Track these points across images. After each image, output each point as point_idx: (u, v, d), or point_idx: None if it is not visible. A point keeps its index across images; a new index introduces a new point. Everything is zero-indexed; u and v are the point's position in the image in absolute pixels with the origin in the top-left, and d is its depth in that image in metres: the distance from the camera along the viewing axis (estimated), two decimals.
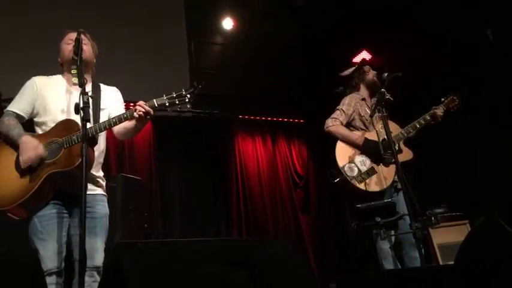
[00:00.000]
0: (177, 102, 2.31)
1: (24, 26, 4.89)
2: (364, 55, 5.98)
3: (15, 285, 2.05)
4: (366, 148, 3.26)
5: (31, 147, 2.21)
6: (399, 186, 3.26)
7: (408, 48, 5.13)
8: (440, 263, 3.90)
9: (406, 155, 3.27)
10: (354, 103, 3.49)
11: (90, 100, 2.11)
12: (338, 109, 3.48)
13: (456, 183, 4.74)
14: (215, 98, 6.03)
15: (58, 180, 2.24)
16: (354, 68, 3.60)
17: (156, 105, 2.30)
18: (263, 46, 6.02)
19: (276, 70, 6.27)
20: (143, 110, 2.26)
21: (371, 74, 3.58)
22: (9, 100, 4.75)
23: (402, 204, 2.95)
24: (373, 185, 3.17)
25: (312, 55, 6.26)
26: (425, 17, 4.94)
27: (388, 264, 3.08)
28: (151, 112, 2.29)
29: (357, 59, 6.04)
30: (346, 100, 3.52)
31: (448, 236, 4.01)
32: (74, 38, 2.28)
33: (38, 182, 2.19)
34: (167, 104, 2.30)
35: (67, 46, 2.43)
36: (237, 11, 6.06)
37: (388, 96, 3.10)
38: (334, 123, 3.40)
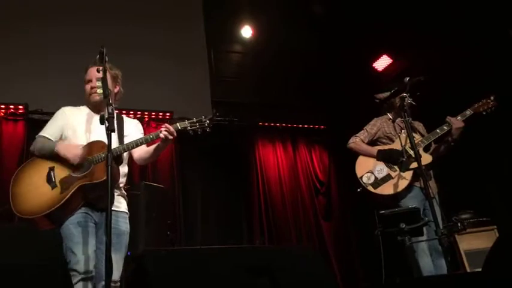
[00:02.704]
0: (197, 126, 2.54)
1: (48, 39, 5.03)
2: (385, 60, 5.94)
3: None
4: (380, 157, 3.49)
5: (71, 147, 2.42)
6: (430, 193, 3.25)
7: (429, 51, 5.07)
8: (468, 270, 3.81)
9: (424, 159, 3.27)
10: (379, 123, 3.67)
11: (115, 112, 2.19)
12: (363, 128, 3.71)
13: (483, 188, 4.63)
14: (235, 105, 6.08)
15: (87, 193, 2.38)
16: (389, 93, 3.63)
17: (180, 128, 2.52)
18: (282, 53, 6.05)
19: (295, 76, 6.28)
20: (169, 130, 2.46)
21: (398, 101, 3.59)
22: (36, 112, 4.93)
23: (434, 211, 2.93)
24: (386, 189, 3.37)
25: (331, 61, 6.26)
26: (445, 20, 4.88)
27: (425, 264, 3.06)
28: (175, 134, 2.48)
29: (377, 63, 6.01)
30: (372, 121, 3.73)
31: (475, 242, 3.92)
32: (92, 76, 2.54)
33: (70, 192, 2.33)
34: (189, 128, 2.53)
35: (87, 86, 2.61)
36: (256, 20, 6.10)
37: (410, 100, 3.12)
38: (354, 141, 3.66)
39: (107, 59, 2.38)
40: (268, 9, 5.89)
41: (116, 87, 2.67)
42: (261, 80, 6.16)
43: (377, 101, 3.74)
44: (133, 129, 2.70)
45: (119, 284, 2.39)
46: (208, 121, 2.54)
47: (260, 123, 6.41)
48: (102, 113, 2.21)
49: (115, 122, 2.51)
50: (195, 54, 5.91)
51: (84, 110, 2.68)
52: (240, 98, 6.13)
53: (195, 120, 2.54)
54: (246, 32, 6.13)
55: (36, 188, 2.38)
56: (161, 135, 2.46)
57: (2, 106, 4.86)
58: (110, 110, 2.17)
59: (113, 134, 2.20)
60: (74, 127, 2.57)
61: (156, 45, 5.50)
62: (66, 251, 2.33)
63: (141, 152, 2.64)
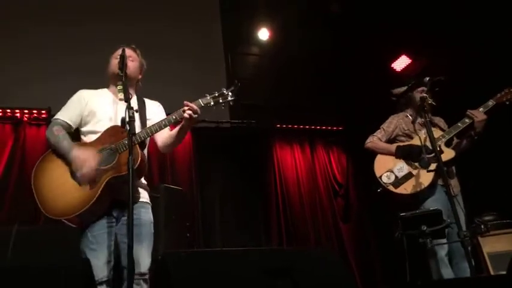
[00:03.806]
0: (220, 100, 2.42)
1: (72, 41, 5.11)
2: (404, 59, 5.88)
3: None
4: (400, 153, 3.36)
5: (84, 161, 2.26)
6: (454, 191, 3.19)
7: (449, 50, 4.99)
8: (492, 273, 3.74)
9: (447, 154, 3.17)
10: (396, 120, 3.58)
11: (136, 114, 2.19)
12: (379, 127, 3.62)
13: (506, 189, 4.53)
14: (253, 107, 6.09)
15: (116, 186, 2.28)
16: (406, 88, 3.56)
17: (202, 104, 2.39)
18: (300, 55, 6.04)
19: (312, 78, 6.26)
20: (192, 109, 2.34)
21: (418, 96, 3.52)
22: None
23: (455, 211, 2.87)
24: (408, 188, 3.24)
25: (349, 62, 6.21)
26: (464, 18, 4.81)
27: (444, 272, 2.99)
28: (199, 111, 2.36)
29: (396, 64, 5.95)
30: (389, 119, 3.64)
31: (498, 244, 3.83)
32: (125, 56, 2.36)
33: (99, 188, 2.24)
34: (212, 103, 2.41)
35: (114, 61, 2.53)
36: (273, 21, 6.11)
37: (430, 101, 3.07)
38: (371, 140, 3.56)
39: (127, 64, 2.39)
40: (285, 11, 5.89)
41: (140, 73, 2.67)
42: (278, 81, 6.16)
43: (394, 98, 3.67)
44: (154, 113, 2.59)
45: (147, 276, 2.33)
46: (230, 93, 2.42)
47: (277, 125, 6.42)
48: (122, 116, 2.21)
49: (136, 104, 2.49)
50: (212, 56, 5.95)
51: (106, 95, 2.58)
52: (257, 100, 6.14)
53: (216, 94, 2.42)
54: (263, 34, 6.14)
55: (62, 185, 2.28)
56: (185, 114, 2.34)
57: (26, 111, 4.97)
58: (131, 114, 2.14)
59: (136, 118, 2.17)
60: (95, 114, 2.47)
61: (173, 46, 5.55)
62: (82, 255, 2.30)
63: (164, 138, 2.54)
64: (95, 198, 2.22)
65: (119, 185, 2.26)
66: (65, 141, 2.36)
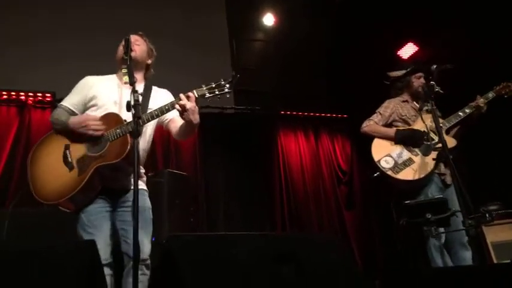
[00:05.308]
0: (216, 92, 2.31)
1: (78, 26, 5.10)
2: (410, 47, 5.81)
3: (73, 275, 2.14)
4: (400, 137, 3.28)
5: (82, 120, 2.33)
6: (448, 180, 3.17)
7: (456, 39, 4.93)
8: (495, 262, 3.75)
9: (449, 143, 3.08)
10: (393, 105, 3.51)
11: (141, 98, 2.16)
12: (376, 112, 3.53)
13: (511, 178, 4.52)
14: (257, 94, 6.07)
15: (105, 173, 2.29)
16: (403, 72, 3.51)
17: (197, 95, 2.28)
18: (305, 41, 5.99)
19: (317, 65, 6.22)
20: (181, 102, 2.25)
21: (417, 83, 3.49)
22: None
23: (452, 201, 2.87)
24: (408, 174, 3.15)
25: (354, 49, 6.15)
26: (472, 7, 4.73)
27: (440, 261, 2.99)
28: (188, 105, 2.24)
29: (402, 51, 5.88)
30: (385, 103, 3.56)
31: (502, 234, 3.85)
32: (130, 40, 2.35)
33: (87, 175, 2.25)
34: (207, 95, 2.30)
35: (120, 47, 2.51)
36: (278, 8, 6.05)
37: (437, 89, 3.03)
38: (367, 124, 3.47)
39: (132, 48, 2.37)
40: None
41: (149, 58, 2.64)
42: (283, 68, 6.12)
43: (387, 82, 3.62)
44: (161, 101, 2.45)
45: (148, 261, 2.33)
46: (228, 85, 2.31)
47: (282, 112, 6.40)
48: (128, 100, 2.18)
49: (142, 89, 2.45)
50: (217, 42, 5.91)
51: (111, 79, 2.56)
52: (262, 87, 6.12)
53: (213, 84, 2.31)
54: (268, 19, 6.08)
55: (54, 170, 2.30)
56: (176, 106, 2.25)
57: (30, 94, 4.97)
58: (136, 97, 2.09)
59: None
60: (99, 98, 2.45)
61: (177, 33, 5.52)
62: (79, 239, 2.29)
63: (176, 128, 2.50)
64: (81, 185, 2.24)
65: (110, 173, 2.27)
66: (64, 116, 2.42)
